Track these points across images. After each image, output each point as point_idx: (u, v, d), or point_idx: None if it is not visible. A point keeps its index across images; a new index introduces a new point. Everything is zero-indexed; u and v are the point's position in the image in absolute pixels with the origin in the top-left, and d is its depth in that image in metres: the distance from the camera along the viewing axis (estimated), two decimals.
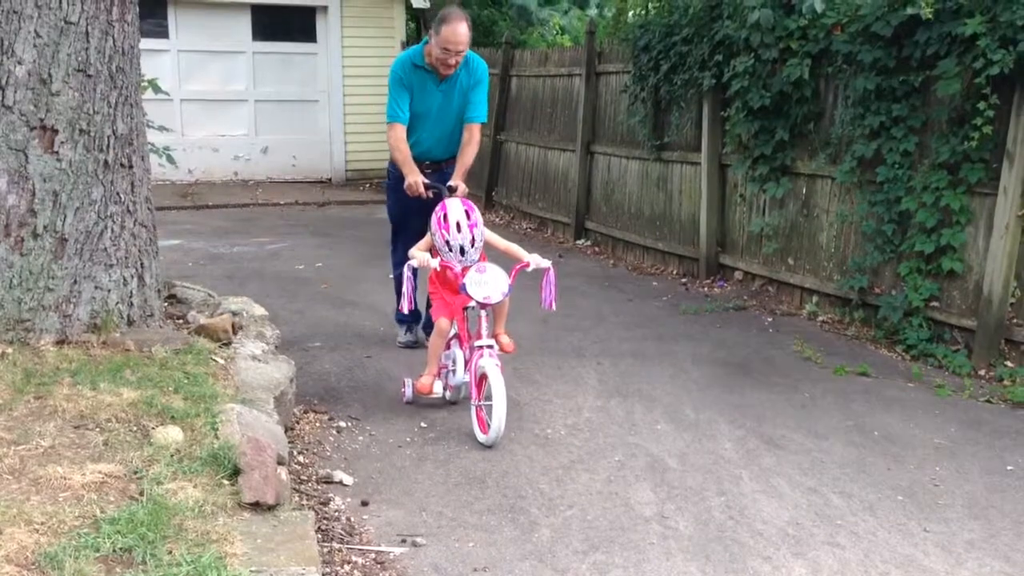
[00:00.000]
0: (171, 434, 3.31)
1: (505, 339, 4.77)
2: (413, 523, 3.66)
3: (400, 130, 5.48)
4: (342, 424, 4.70)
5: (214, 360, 4.16)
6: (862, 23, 6.22)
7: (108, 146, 4.18)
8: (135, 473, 3.06)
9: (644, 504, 3.88)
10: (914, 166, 6.15)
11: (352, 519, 3.67)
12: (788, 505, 3.90)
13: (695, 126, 8.23)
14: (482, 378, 4.48)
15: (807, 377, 5.63)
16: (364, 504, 3.81)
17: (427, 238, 4.80)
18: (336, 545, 3.41)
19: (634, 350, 6.09)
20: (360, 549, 3.41)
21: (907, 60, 6.07)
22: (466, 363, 4.68)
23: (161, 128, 5.68)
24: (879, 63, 6.17)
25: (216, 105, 13.32)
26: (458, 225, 4.60)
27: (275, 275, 8.10)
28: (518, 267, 4.61)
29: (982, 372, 5.65)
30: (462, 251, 4.59)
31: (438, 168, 5.64)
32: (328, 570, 3.19)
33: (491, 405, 4.31)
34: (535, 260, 4.62)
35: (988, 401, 5.23)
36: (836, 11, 6.56)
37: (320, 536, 3.42)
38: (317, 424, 4.67)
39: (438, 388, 4.77)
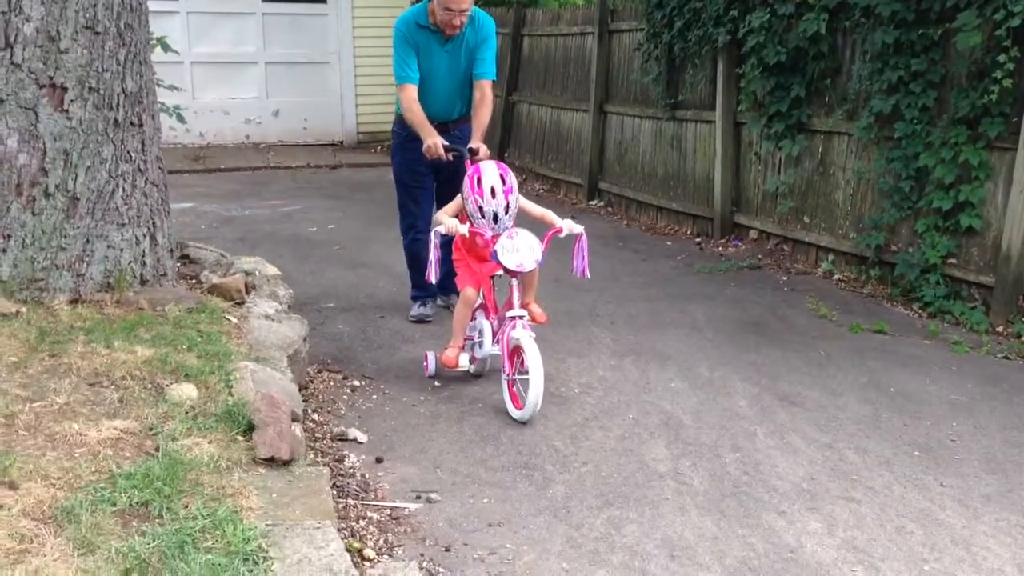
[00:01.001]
0: (185, 391, 3.31)
1: (536, 309, 4.55)
2: (427, 480, 3.67)
3: (412, 90, 5.29)
4: (356, 383, 4.70)
5: (227, 319, 4.15)
6: None
7: (118, 104, 4.15)
8: (150, 429, 3.06)
9: (658, 461, 3.87)
10: (933, 121, 6.06)
11: (367, 475, 3.68)
12: (803, 461, 3.89)
13: (709, 84, 8.13)
14: (515, 350, 4.28)
15: (823, 335, 5.60)
16: (379, 461, 3.82)
17: (455, 202, 4.59)
18: (351, 501, 3.42)
19: (648, 309, 6.06)
20: (375, 505, 3.42)
21: (926, 13, 5.96)
22: (494, 334, 4.52)
23: (172, 87, 5.64)
24: (898, 16, 6.06)
25: (226, 67, 13.22)
26: (492, 191, 4.34)
27: (287, 237, 8.08)
28: (551, 233, 4.41)
29: (1000, 329, 5.60)
30: (495, 218, 4.35)
31: (445, 129, 5.42)
32: (343, 525, 3.20)
33: (526, 379, 4.11)
34: (568, 226, 4.42)
35: (1006, 357, 5.19)
36: None
37: (335, 492, 3.43)
38: (331, 383, 4.67)
39: (464, 361, 4.55)
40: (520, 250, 4.29)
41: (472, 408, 4.40)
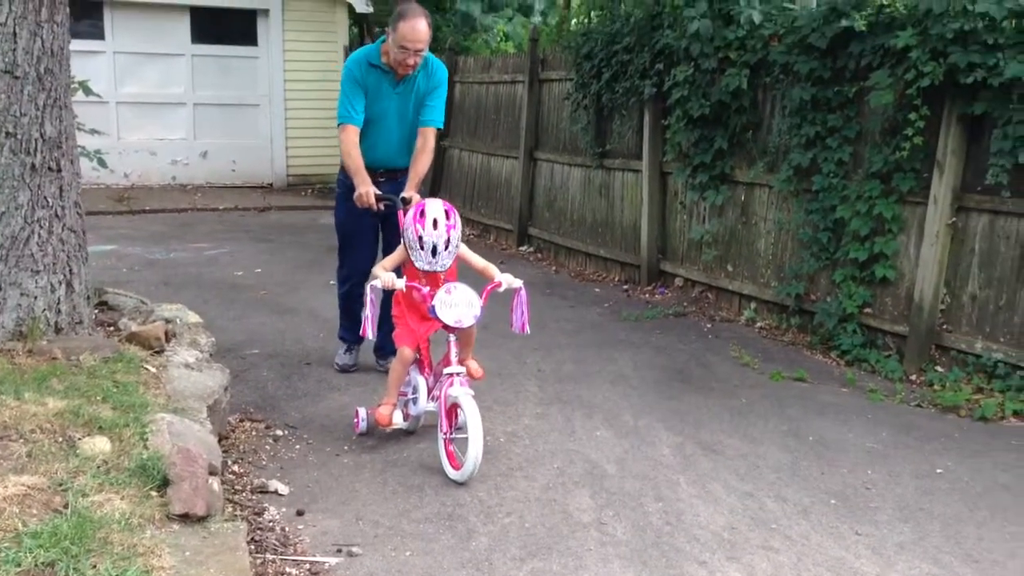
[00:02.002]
0: (98, 445, 3.22)
1: (473, 364, 4.45)
2: (349, 532, 3.62)
3: (353, 133, 5.06)
4: (279, 432, 4.63)
5: (145, 368, 4.06)
6: (798, 34, 6.33)
7: (36, 149, 4.07)
8: (60, 485, 2.97)
9: (582, 511, 3.88)
10: (849, 175, 6.27)
11: (287, 529, 3.61)
12: (724, 510, 3.94)
13: (636, 134, 8.30)
14: (452, 408, 4.15)
15: (744, 383, 5.70)
16: (300, 514, 3.75)
17: (394, 255, 4.43)
18: (270, 556, 3.35)
19: (575, 357, 6.10)
20: (294, 560, 3.36)
21: (842, 71, 6.19)
22: (429, 391, 4.39)
23: (93, 131, 5.55)
24: (815, 74, 6.29)
25: (153, 108, 13.08)
26: (435, 222, 4.19)
27: (213, 281, 7.96)
28: (490, 287, 4.29)
29: (913, 377, 5.77)
30: (434, 251, 4.20)
31: (393, 177, 5.24)
32: None
33: (463, 438, 3.99)
34: (507, 280, 4.30)
35: (919, 405, 5.34)
36: (773, 22, 6.67)
37: (253, 547, 3.37)
38: (253, 432, 4.59)
39: (398, 419, 4.42)
40: (458, 305, 4.19)
41: (397, 458, 4.36)
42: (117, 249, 9.14)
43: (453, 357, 4.21)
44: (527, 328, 4.36)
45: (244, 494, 3.87)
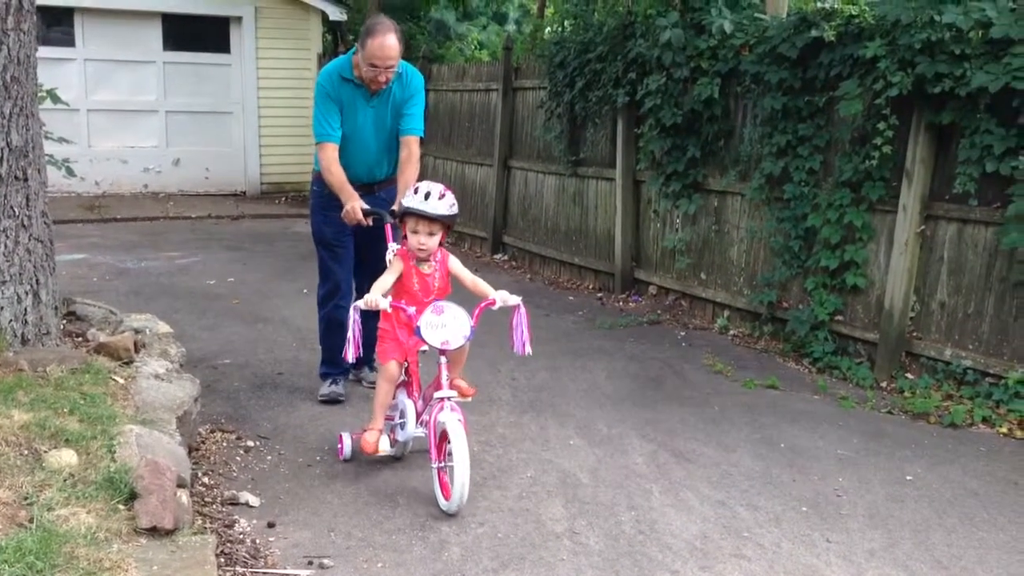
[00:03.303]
0: (64, 458, 3.18)
1: (462, 383, 4.18)
2: (321, 544, 3.59)
3: (332, 150, 4.89)
4: (250, 443, 4.59)
5: (113, 380, 4.02)
6: (769, 44, 6.38)
7: (2, 159, 4.02)
8: (25, 499, 2.93)
9: (555, 520, 3.88)
10: (819, 184, 6.32)
11: (258, 541, 3.58)
12: (697, 518, 3.95)
13: (610, 142, 8.33)
14: (443, 436, 3.87)
15: (717, 391, 5.72)
16: (271, 526, 3.72)
17: (385, 279, 4.11)
18: (240, 569, 3.32)
19: (549, 366, 6.10)
20: (264, 572, 3.33)
21: (812, 81, 6.24)
22: (418, 415, 4.12)
23: (61, 140, 5.49)
24: (785, 83, 6.34)
25: (125, 116, 12.97)
26: (431, 184, 4.06)
27: (185, 290, 7.90)
28: (482, 305, 4.02)
29: (884, 384, 5.82)
30: (427, 196, 3.95)
31: (370, 191, 5.07)
32: None
33: (454, 467, 3.75)
34: (502, 297, 4.01)
35: (889, 412, 5.38)
36: (744, 32, 6.72)
37: (223, 560, 3.33)
38: (224, 444, 4.55)
39: (384, 445, 4.14)
40: (447, 325, 3.91)
41: (369, 469, 4.34)
42: (87, 258, 9.05)
43: (444, 380, 3.94)
44: (528, 348, 4.01)
45: (214, 506, 3.83)
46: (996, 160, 5.15)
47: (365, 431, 4.20)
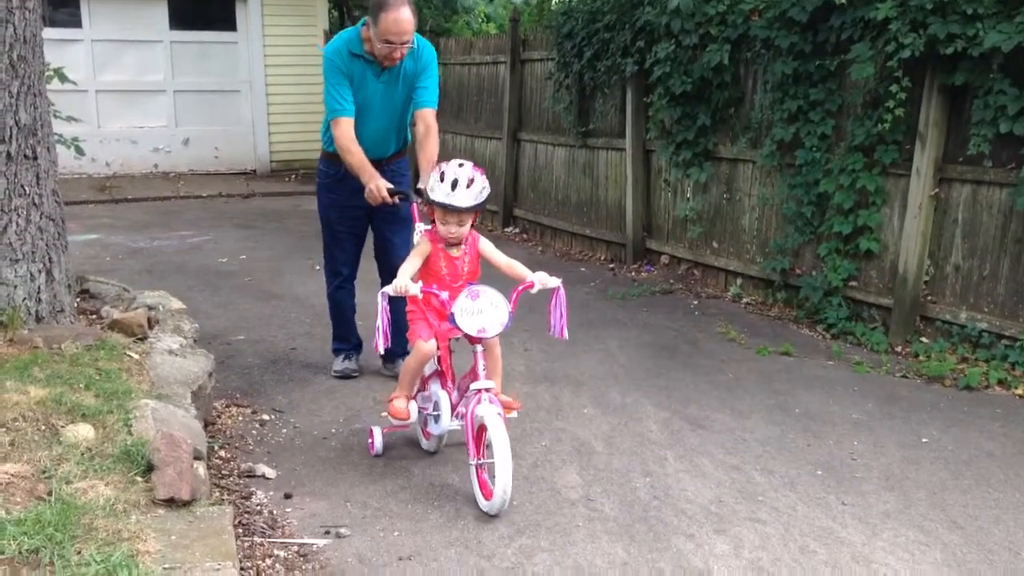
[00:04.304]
0: (82, 432, 3.21)
1: (506, 397, 3.89)
2: (337, 514, 3.61)
3: (348, 125, 4.65)
4: (265, 417, 4.61)
5: (128, 355, 4.04)
6: (779, 8, 6.31)
7: (10, 137, 4.02)
8: (43, 473, 2.95)
9: (570, 488, 3.89)
10: (831, 149, 6.27)
11: (275, 512, 3.61)
12: (711, 483, 3.95)
13: (619, 112, 8.27)
14: (481, 430, 3.64)
15: (731, 358, 5.71)
16: (287, 497, 3.75)
17: (412, 258, 3.90)
18: (257, 539, 3.35)
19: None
20: (282, 542, 3.36)
21: (823, 45, 6.17)
22: (453, 408, 3.89)
23: (70, 119, 5.49)
24: (796, 48, 6.27)
25: (133, 96, 12.97)
26: (460, 164, 3.79)
27: (197, 269, 7.92)
28: (520, 288, 3.78)
29: (898, 348, 5.79)
30: (454, 185, 3.71)
31: (379, 167, 4.79)
32: (249, 564, 3.13)
33: (493, 463, 3.49)
34: (541, 279, 3.79)
35: (904, 376, 5.36)
36: None
37: (241, 531, 3.36)
38: (239, 418, 4.58)
39: (414, 411, 3.99)
40: (483, 311, 3.65)
41: (384, 441, 4.34)
42: (100, 238, 9.08)
43: (481, 371, 3.68)
44: (566, 332, 3.86)
45: (231, 479, 3.86)
46: (1010, 120, 5.09)
47: (392, 399, 4.02)
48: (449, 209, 3.76)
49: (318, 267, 7.83)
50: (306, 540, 3.39)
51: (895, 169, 5.89)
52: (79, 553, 2.52)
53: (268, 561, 3.20)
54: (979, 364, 5.33)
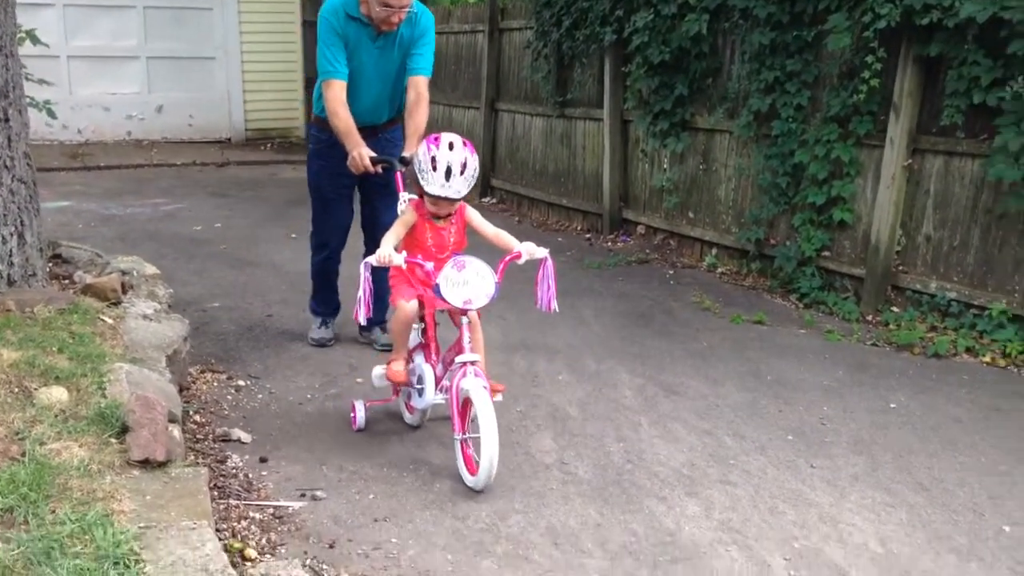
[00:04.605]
0: (55, 394, 3.20)
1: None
2: (313, 478, 3.63)
3: (339, 89, 4.54)
4: (241, 383, 4.61)
5: (102, 320, 4.02)
6: None
7: None
8: (16, 434, 2.94)
9: (544, 452, 3.92)
10: (807, 119, 6.30)
11: (250, 475, 3.62)
12: (684, 448, 4.00)
13: (597, 82, 8.26)
14: (466, 404, 3.56)
15: (705, 327, 5.76)
16: (263, 461, 3.76)
17: (396, 228, 3.83)
18: (233, 501, 3.36)
19: None
20: (258, 504, 3.37)
21: (800, 15, 6.18)
22: (437, 381, 3.81)
23: (41, 82, 5.41)
24: (773, 18, 6.28)
25: (106, 62, 12.78)
26: (451, 145, 3.64)
27: (171, 236, 7.86)
28: (507, 259, 3.70)
29: (869, 317, 5.87)
30: (448, 174, 3.60)
31: (373, 134, 4.73)
32: (224, 526, 3.14)
33: (479, 438, 3.41)
34: (528, 249, 3.69)
35: (874, 344, 5.44)
36: None
37: (216, 493, 3.37)
38: (215, 383, 4.57)
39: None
40: (469, 282, 3.58)
41: (367, 414, 4.36)
42: (72, 205, 8.99)
43: (466, 343, 3.60)
44: (554, 305, 3.77)
45: (206, 443, 3.87)
46: (983, 91, 5.14)
47: (390, 362, 3.93)
48: (446, 200, 3.70)
49: (294, 235, 7.82)
50: (281, 502, 3.41)
51: (869, 140, 5.93)
52: (53, 512, 2.53)
53: (244, 523, 3.22)
54: (948, 333, 5.41)
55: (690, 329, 5.71)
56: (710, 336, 5.57)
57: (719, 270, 7.10)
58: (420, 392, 3.87)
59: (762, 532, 3.30)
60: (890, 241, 5.84)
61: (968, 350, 5.21)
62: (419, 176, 3.69)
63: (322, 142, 4.85)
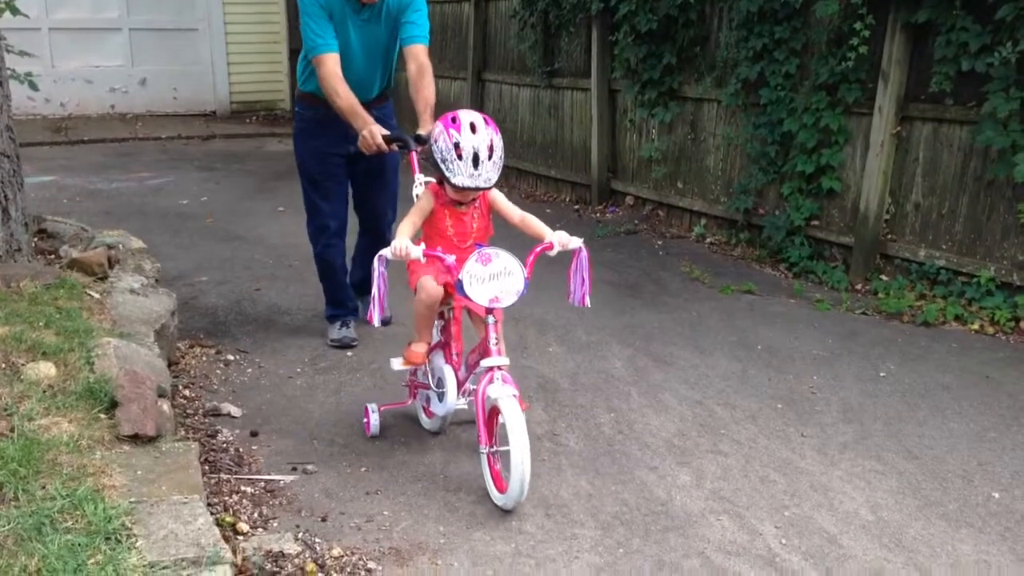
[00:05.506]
0: (43, 370, 3.17)
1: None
2: (304, 451, 3.63)
3: (333, 62, 4.19)
4: (230, 357, 4.59)
5: (88, 294, 3.99)
6: None
7: None
8: (4, 410, 2.92)
9: (535, 423, 3.92)
10: (795, 87, 6.27)
11: (241, 450, 3.61)
12: (675, 418, 4.01)
13: (585, 51, 8.20)
14: (492, 413, 3.22)
15: (695, 297, 5.76)
16: (253, 435, 3.75)
17: (412, 215, 3.41)
18: (224, 476, 3.35)
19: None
20: (249, 479, 3.37)
21: None
22: (460, 384, 3.47)
23: (23, 53, 5.32)
24: None
25: (88, 34, 12.60)
26: (472, 126, 3.22)
27: (158, 210, 7.80)
28: (538, 250, 3.32)
29: (859, 286, 5.88)
30: (476, 161, 3.21)
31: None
32: (216, 500, 3.14)
33: (508, 451, 3.06)
34: (561, 239, 3.32)
35: (864, 313, 5.45)
36: None
37: (207, 468, 3.37)
38: (204, 358, 4.55)
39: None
40: (496, 278, 3.20)
41: (350, 379, 4.37)
42: (56, 180, 8.90)
43: (492, 344, 3.22)
44: (588, 300, 3.45)
45: (196, 417, 3.86)
46: (972, 58, 5.11)
47: (411, 344, 3.60)
48: (474, 190, 3.31)
49: (281, 208, 7.78)
50: (273, 476, 3.41)
51: (858, 108, 5.91)
52: (44, 488, 2.51)
53: (235, 497, 3.21)
54: (936, 300, 5.43)
55: (680, 299, 5.71)
56: (700, 306, 5.57)
57: (708, 240, 7.10)
58: (441, 397, 3.52)
59: (753, 501, 3.32)
60: (879, 209, 5.84)
61: (957, 318, 5.23)
62: (441, 166, 3.26)
63: (307, 120, 4.57)
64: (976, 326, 5.14)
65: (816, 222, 6.28)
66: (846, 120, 5.98)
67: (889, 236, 5.87)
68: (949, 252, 5.53)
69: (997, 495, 3.40)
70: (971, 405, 4.18)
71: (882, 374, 4.53)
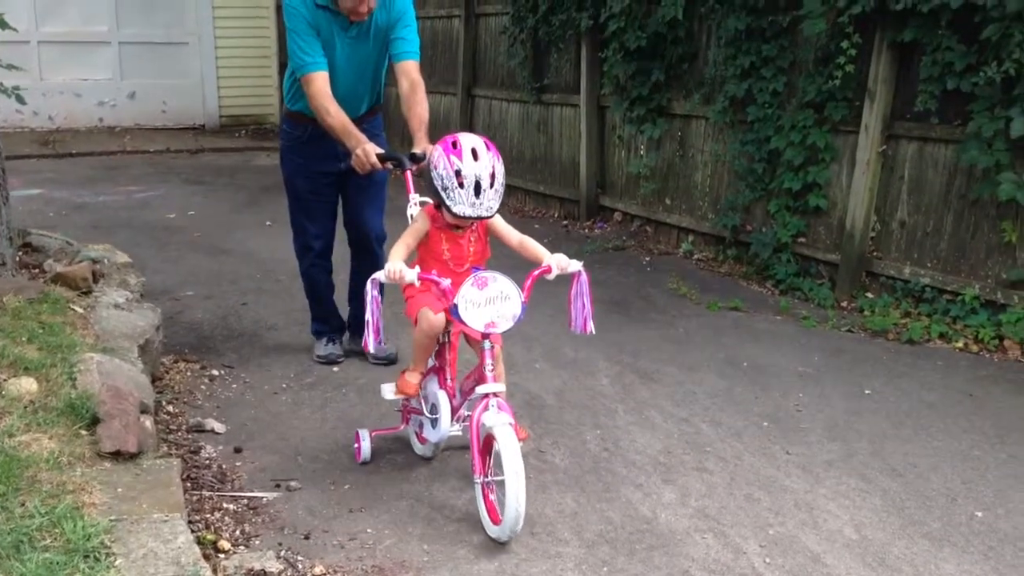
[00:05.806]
0: (24, 385, 3.15)
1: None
2: (287, 468, 3.61)
3: (322, 81, 4.11)
4: (215, 372, 4.57)
5: (72, 309, 3.97)
6: None
7: None
8: None
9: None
10: (783, 105, 6.31)
11: (224, 466, 3.59)
12: (660, 435, 4.01)
13: (574, 68, 8.23)
14: (487, 441, 3.12)
15: (682, 313, 5.77)
16: (237, 451, 3.73)
17: (408, 236, 3.34)
18: (207, 493, 3.33)
19: None
20: (232, 495, 3.35)
21: (775, 0, 6.18)
22: (454, 411, 3.39)
23: (10, 67, 5.31)
24: (749, 3, 6.28)
25: (77, 47, 12.58)
26: (474, 152, 3.13)
27: (145, 224, 7.78)
28: (535, 274, 3.25)
29: (844, 304, 5.90)
30: (477, 190, 3.10)
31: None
32: (198, 518, 3.12)
33: (503, 480, 2.97)
34: (559, 262, 3.25)
35: (849, 331, 5.46)
36: None
37: (190, 484, 3.35)
38: (188, 373, 4.53)
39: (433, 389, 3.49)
40: (493, 302, 3.12)
41: (335, 395, 4.35)
42: (43, 193, 8.87)
43: (488, 370, 3.13)
44: (590, 326, 3.39)
45: (179, 433, 3.83)
46: (957, 77, 5.15)
47: (405, 372, 3.53)
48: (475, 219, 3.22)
49: (269, 223, 7.77)
50: (256, 493, 3.39)
51: (844, 126, 5.94)
52: (23, 505, 2.49)
53: (217, 514, 3.19)
54: (922, 318, 5.45)
55: (667, 316, 5.72)
56: (687, 323, 5.58)
57: (695, 257, 7.12)
58: (434, 423, 3.44)
59: (737, 519, 3.31)
60: (865, 227, 5.86)
61: (942, 336, 5.25)
62: (442, 193, 3.15)
63: (294, 138, 4.48)
64: (960, 344, 5.16)
65: (803, 239, 6.31)
66: (833, 138, 6.02)
67: (875, 254, 5.90)
68: (934, 270, 5.55)
69: (980, 514, 3.40)
70: (955, 423, 4.19)
71: (867, 392, 4.54)
